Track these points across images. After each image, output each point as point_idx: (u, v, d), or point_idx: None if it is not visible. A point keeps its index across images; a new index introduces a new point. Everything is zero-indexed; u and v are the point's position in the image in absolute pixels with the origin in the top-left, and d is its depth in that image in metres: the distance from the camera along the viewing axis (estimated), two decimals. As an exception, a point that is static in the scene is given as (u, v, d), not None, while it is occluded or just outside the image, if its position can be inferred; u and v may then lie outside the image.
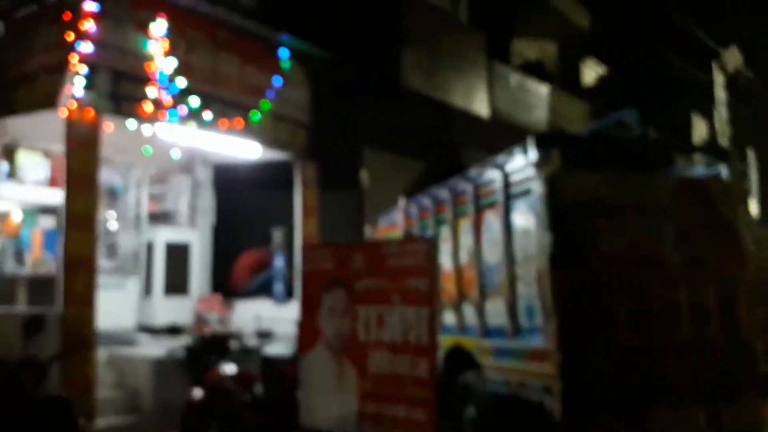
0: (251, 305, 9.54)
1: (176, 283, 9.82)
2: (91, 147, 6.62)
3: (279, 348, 5.55)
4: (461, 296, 6.44)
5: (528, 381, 5.40)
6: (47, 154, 9.25)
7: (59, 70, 6.73)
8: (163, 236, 9.83)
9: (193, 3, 7.74)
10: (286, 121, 8.89)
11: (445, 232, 6.81)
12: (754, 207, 23.40)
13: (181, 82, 7.36)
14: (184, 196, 10.27)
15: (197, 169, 10.18)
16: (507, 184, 5.86)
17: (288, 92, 8.88)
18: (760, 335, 5.67)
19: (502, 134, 15.76)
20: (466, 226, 6.48)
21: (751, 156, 28.48)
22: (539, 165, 5.44)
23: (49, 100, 6.72)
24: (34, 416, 3.85)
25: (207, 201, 10.37)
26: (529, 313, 5.45)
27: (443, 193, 6.98)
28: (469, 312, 6.30)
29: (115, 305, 8.53)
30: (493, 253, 6.00)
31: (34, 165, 9.36)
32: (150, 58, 7.17)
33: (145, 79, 7.13)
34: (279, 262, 9.51)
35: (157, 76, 7.18)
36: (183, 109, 7.38)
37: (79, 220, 6.53)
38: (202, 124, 7.65)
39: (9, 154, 8.78)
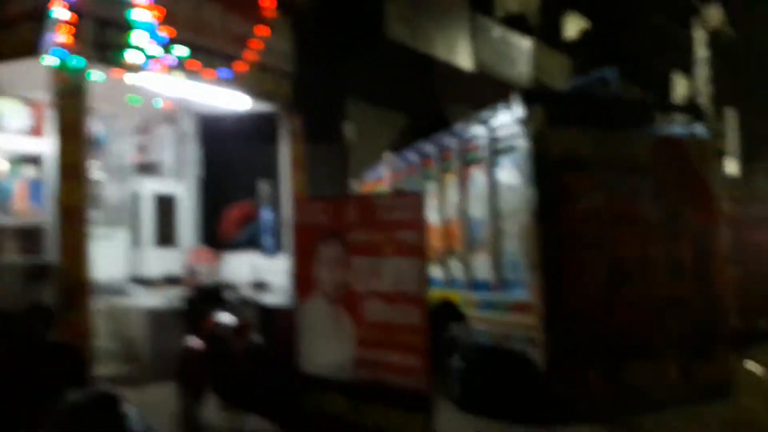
0: (240, 257, 9.68)
1: (165, 235, 9.91)
2: (78, 97, 6.56)
3: (275, 298, 5.70)
4: (448, 250, 6.63)
5: (512, 332, 5.64)
6: (28, 102, 9.15)
7: (41, 17, 6.60)
8: (149, 187, 9.86)
9: (178, -50, 7.60)
10: (271, 71, 8.84)
11: (432, 187, 6.95)
12: (732, 166, 23.79)
13: (167, 31, 7.28)
14: (169, 147, 10.25)
15: (182, 119, 10.14)
16: (492, 140, 5.99)
17: (273, 42, 8.79)
18: (732, 291, 5.96)
19: (485, 88, 15.81)
20: (452, 181, 6.62)
21: (731, 115, 28.80)
22: (524, 122, 5.56)
23: (31, 48, 6.61)
24: (45, 361, 3.98)
25: (192, 152, 10.36)
26: (514, 266, 5.65)
27: (429, 148, 7.10)
28: (456, 266, 6.50)
29: (105, 256, 8.59)
30: (478, 208, 6.17)
31: (15, 113, 9.26)
32: (135, 6, 7.06)
33: (130, 27, 7.03)
34: (267, 214, 9.60)
35: (142, 24, 7.08)
36: (169, 58, 7.32)
37: (69, 171, 6.52)
38: (188, 74, 7.60)
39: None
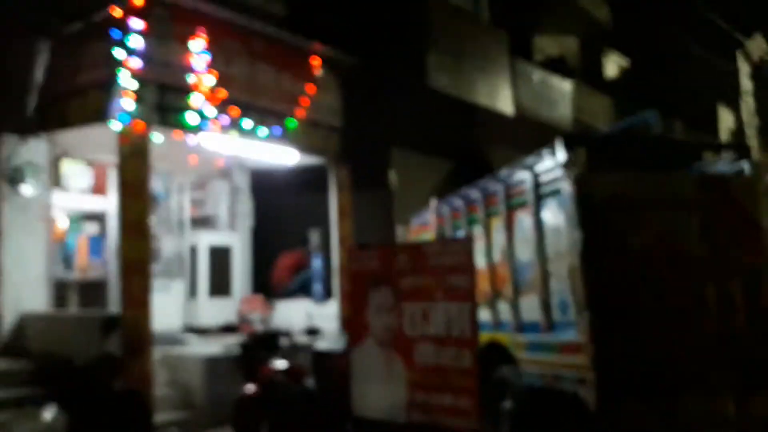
0: (291, 305, 9.94)
1: (219, 285, 10.27)
2: (141, 157, 7.01)
3: (328, 343, 5.89)
4: (495, 293, 6.73)
5: (562, 373, 5.68)
6: (90, 162, 9.72)
7: (108, 85, 7.13)
8: (206, 240, 10.27)
9: (230, 16, 8.12)
10: (320, 126, 9.25)
11: (478, 232, 7.09)
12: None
13: (222, 93, 7.74)
14: (223, 201, 10.71)
15: (235, 174, 10.60)
16: (537, 184, 6.13)
17: (321, 98, 9.23)
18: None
19: (527, 131, 16.00)
20: (498, 225, 6.77)
21: (779, 146, 28.20)
22: (567, 165, 5.71)
23: (100, 114, 7.13)
24: (113, 407, 4.24)
25: (245, 205, 10.79)
26: (562, 307, 5.72)
27: (475, 193, 7.27)
28: (504, 308, 6.59)
29: (162, 307, 8.95)
30: (525, 251, 6.28)
31: (77, 173, 9.83)
32: (193, 71, 7.55)
33: (188, 91, 7.51)
34: (317, 262, 9.88)
35: (200, 88, 7.56)
36: (224, 119, 7.76)
37: (132, 227, 6.92)
38: (242, 132, 8.03)
39: (54, 163, 9.26)
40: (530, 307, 6.15)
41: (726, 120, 29.33)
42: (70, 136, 8.35)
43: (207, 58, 7.65)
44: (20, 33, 8.21)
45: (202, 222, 10.85)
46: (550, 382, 5.85)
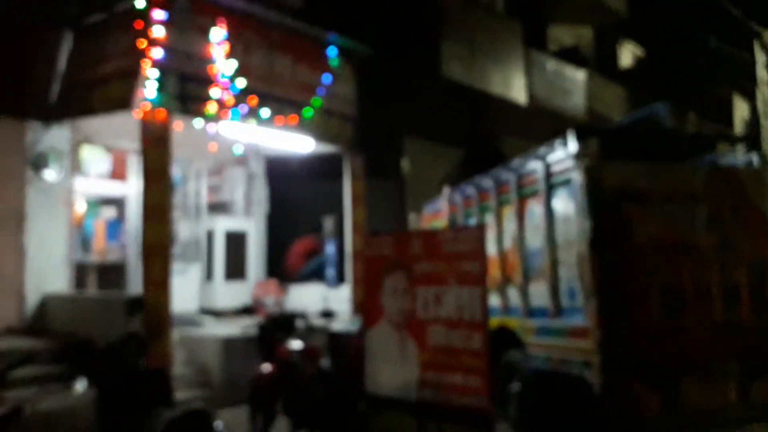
0: (304, 289, 10.17)
1: (235, 269, 10.51)
2: (163, 145, 7.22)
3: (343, 325, 6.09)
4: (506, 279, 6.90)
5: (569, 357, 5.84)
6: (109, 148, 9.95)
7: (132, 74, 7.34)
8: (222, 225, 10.51)
9: (248, 7, 8.28)
10: (335, 115, 9.41)
11: (490, 219, 7.25)
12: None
13: (241, 83, 7.93)
14: (239, 187, 10.93)
15: (251, 161, 10.80)
16: (548, 174, 6.27)
17: (336, 88, 9.40)
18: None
19: (540, 120, 16.09)
20: (509, 213, 6.92)
21: (794, 135, 28.07)
22: (579, 156, 5.85)
23: (123, 102, 7.34)
24: (138, 385, 4.46)
25: (261, 191, 11.01)
26: (570, 294, 5.88)
27: (487, 182, 7.42)
28: (513, 294, 6.75)
29: (179, 289, 9.22)
30: (535, 239, 6.43)
31: (96, 159, 10.07)
32: (212, 61, 7.74)
33: (208, 81, 7.70)
34: (330, 248, 10.09)
35: (220, 78, 7.75)
36: (243, 108, 7.95)
37: (154, 212, 7.15)
38: (260, 121, 8.21)
39: (74, 149, 9.50)
40: (539, 293, 6.31)
41: (741, 110, 29.18)
42: (92, 123, 8.58)
43: (226, 48, 7.82)
44: (45, 23, 8.44)
45: (218, 207, 11.09)
46: (557, 366, 6.02)
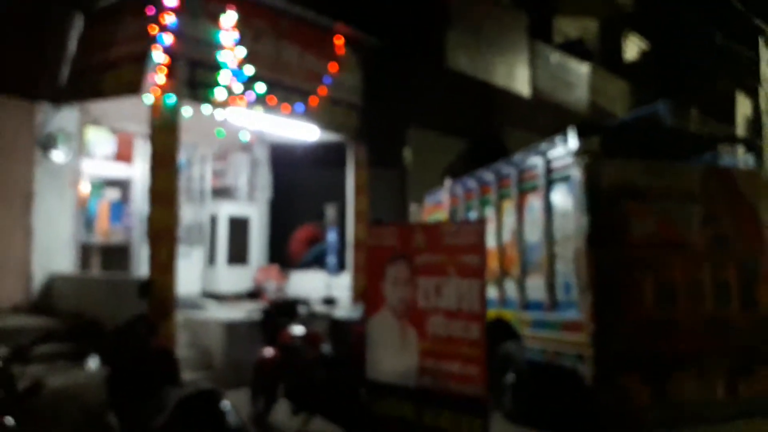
0: (305, 275, 10.33)
1: (237, 254, 10.66)
2: (171, 130, 7.34)
3: (345, 312, 6.24)
4: (503, 272, 7.05)
5: (563, 349, 6.01)
6: (114, 130, 10.06)
7: (142, 59, 7.43)
8: (225, 210, 10.65)
9: (258, -5, 8.39)
10: (341, 104, 9.52)
11: (490, 213, 7.39)
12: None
13: (249, 70, 8.04)
14: (243, 172, 11.06)
15: (255, 148, 10.92)
16: (548, 170, 6.41)
17: (342, 77, 9.50)
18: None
19: (543, 113, 16.19)
20: (509, 207, 7.06)
21: (795, 136, 28.16)
22: (578, 153, 5.99)
23: (133, 86, 7.45)
24: (148, 364, 4.62)
25: (264, 178, 11.14)
26: (566, 288, 6.04)
27: (488, 175, 7.55)
28: (511, 287, 6.91)
29: (183, 273, 9.37)
30: (534, 233, 6.58)
31: (101, 141, 10.17)
32: (221, 48, 7.84)
33: (217, 67, 7.81)
34: (332, 235, 10.23)
35: (229, 64, 7.85)
36: (251, 95, 8.06)
37: (161, 196, 7.28)
38: (267, 108, 8.33)
39: (80, 131, 9.59)
40: (536, 287, 6.47)
41: (743, 107, 29.23)
42: (100, 106, 8.70)
43: (236, 35, 7.92)
44: (56, 6, 8.53)
45: (222, 192, 11.22)
46: (551, 358, 6.19)
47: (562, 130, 6.27)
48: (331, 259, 10.19)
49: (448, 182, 8.80)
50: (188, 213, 10.77)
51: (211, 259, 10.66)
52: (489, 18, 14.39)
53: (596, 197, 5.84)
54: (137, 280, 7.07)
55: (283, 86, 8.54)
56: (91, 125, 9.63)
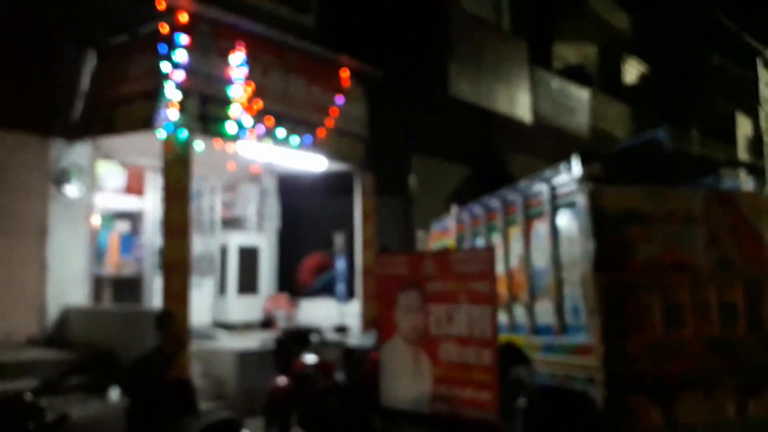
0: (315, 303, 10.43)
1: (247, 283, 10.77)
2: (184, 164, 7.51)
3: (356, 340, 6.34)
4: (512, 297, 7.15)
5: (573, 373, 6.09)
6: (123, 163, 10.25)
7: (155, 95, 7.62)
8: (235, 240, 10.79)
9: (265, 31, 8.61)
10: (347, 134, 9.72)
11: (496, 239, 7.52)
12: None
13: (258, 104, 8.24)
14: (252, 203, 11.22)
15: (264, 178, 11.10)
16: (554, 197, 6.55)
17: (348, 108, 9.71)
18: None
19: (545, 138, 16.40)
20: (516, 233, 7.19)
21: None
22: (582, 180, 6.14)
23: (146, 122, 7.63)
24: (167, 395, 4.73)
25: (273, 207, 11.30)
26: (575, 312, 6.14)
27: (494, 202, 7.69)
28: (520, 312, 7.01)
29: (194, 303, 9.46)
30: (541, 258, 6.70)
31: (112, 174, 10.35)
32: (232, 83, 8.05)
33: (228, 102, 8.01)
34: (340, 263, 10.35)
35: (239, 99, 8.06)
36: (260, 128, 8.26)
37: (174, 228, 7.41)
38: (276, 140, 8.52)
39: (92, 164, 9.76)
40: (544, 311, 6.56)
41: (744, 127, 29.46)
42: (112, 140, 8.88)
43: (245, 70, 8.14)
44: (69, 43, 8.78)
45: (231, 223, 11.37)
46: (561, 382, 6.26)
47: (564, 155, 6.43)
48: (340, 287, 10.29)
49: (454, 209, 8.94)
50: (198, 244, 10.89)
51: (222, 288, 10.77)
52: (490, 46, 14.66)
53: (601, 222, 5.97)
54: (152, 311, 7.18)
55: (291, 119, 8.73)
56: (102, 159, 9.81)
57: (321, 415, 5.88)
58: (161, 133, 7.43)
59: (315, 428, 5.92)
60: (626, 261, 5.98)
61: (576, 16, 18.64)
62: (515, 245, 7.17)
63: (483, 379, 4.43)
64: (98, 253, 10.75)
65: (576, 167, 6.21)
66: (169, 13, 7.59)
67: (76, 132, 8.84)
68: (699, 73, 25.53)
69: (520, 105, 15.39)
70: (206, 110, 7.76)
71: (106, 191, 10.16)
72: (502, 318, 7.10)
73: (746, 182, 7.05)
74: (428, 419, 4.75)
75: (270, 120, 8.36)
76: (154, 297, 10.04)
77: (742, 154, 28.17)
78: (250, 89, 8.16)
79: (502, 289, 7.17)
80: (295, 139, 8.73)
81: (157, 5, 7.50)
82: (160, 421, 4.59)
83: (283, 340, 6.48)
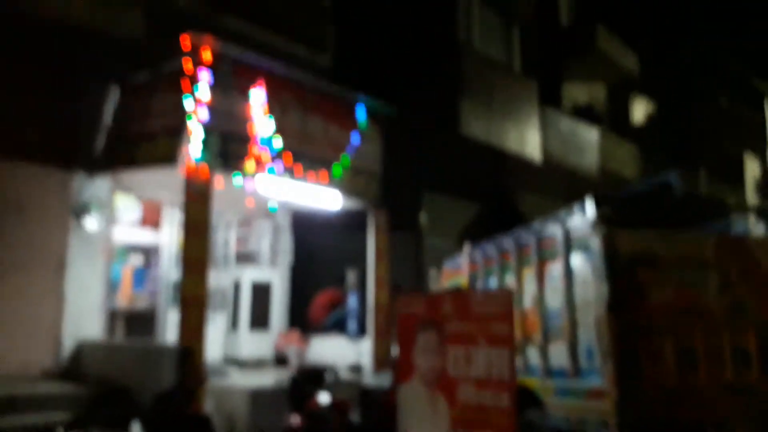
0: (326, 341, 10.45)
1: (259, 319, 10.82)
2: (204, 200, 7.63)
3: (373, 379, 6.37)
4: (526, 339, 7.20)
5: (587, 417, 6.12)
6: (139, 197, 10.40)
7: (178, 132, 7.80)
8: (249, 275, 10.87)
9: (285, 71, 8.83)
10: (362, 172, 9.86)
11: (510, 279, 7.61)
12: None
13: (278, 142, 8.42)
14: (265, 238, 11.33)
15: (278, 213, 11.23)
16: (567, 239, 6.66)
17: (363, 146, 9.87)
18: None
19: (554, 177, 16.54)
20: (529, 274, 7.27)
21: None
22: (596, 223, 6.24)
23: (169, 158, 7.79)
24: (188, 430, 4.79)
25: (286, 243, 11.40)
26: (589, 355, 6.19)
27: (508, 243, 7.79)
28: (533, 354, 7.05)
29: (207, 338, 9.54)
30: (554, 300, 6.77)
31: (128, 207, 10.50)
32: (252, 121, 8.24)
33: (248, 139, 8.19)
34: (352, 300, 10.40)
35: (258, 137, 8.24)
36: (279, 165, 8.42)
37: (193, 264, 7.50)
38: (294, 177, 8.67)
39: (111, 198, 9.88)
40: (558, 353, 6.61)
41: (752, 169, 29.57)
42: (133, 175, 9.04)
43: (265, 109, 8.33)
44: (93, 79, 9.01)
45: (244, 258, 11.47)
46: (575, 426, 6.28)
47: (573, 194, 6.56)
48: (352, 324, 10.32)
49: (467, 248, 9.03)
50: (212, 278, 10.95)
51: (234, 324, 10.82)
52: (501, 86, 14.91)
53: (615, 265, 6.06)
54: (167, 347, 7.24)
55: (308, 157, 8.89)
56: (120, 193, 9.97)
57: (334, 454, 5.89)
58: (183, 169, 7.58)
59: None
60: (640, 304, 6.05)
61: (585, 57, 18.95)
62: (529, 286, 7.25)
63: (500, 421, 4.46)
64: (111, 286, 10.87)
65: (590, 210, 6.33)
66: (193, 52, 7.80)
67: (98, 166, 9.01)
68: (707, 114, 25.78)
69: (530, 144, 15.57)
70: (227, 147, 7.91)
71: (121, 224, 10.30)
72: (516, 360, 7.13)
73: (756, 226, 7.13)
74: (445, 461, 4.77)
75: (288, 157, 8.52)
76: (168, 331, 10.11)
77: (751, 195, 28.24)
78: (269, 127, 8.33)
79: (516, 331, 7.20)
80: (311, 176, 8.88)
81: (182, 45, 7.72)
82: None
83: (298, 378, 6.51)
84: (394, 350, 8.98)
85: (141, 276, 11.09)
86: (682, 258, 6.33)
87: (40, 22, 8.07)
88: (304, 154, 8.82)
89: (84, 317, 8.91)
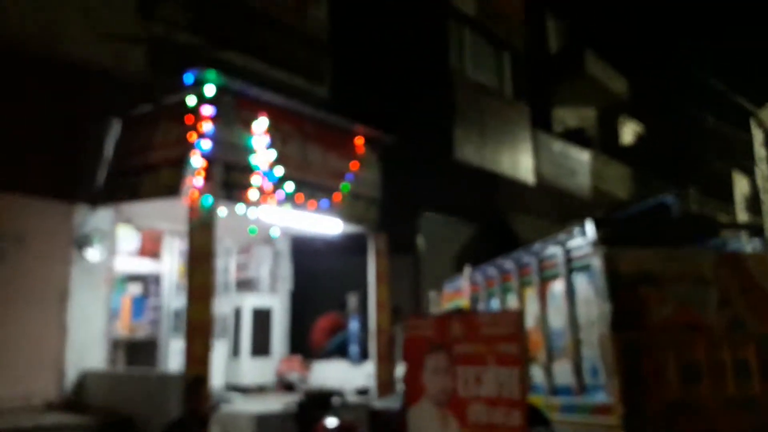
0: (328, 365, 10.48)
1: (260, 345, 10.85)
2: (208, 229, 7.73)
3: (384, 402, 6.43)
4: (529, 358, 7.29)
5: (593, 432, 6.21)
6: (138, 227, 10.48)
7: (181, 164, 7.91)
8: (249, 302, 10.93)
9: (285, 102, 9.01)
10: (362, 198, 10.01)
11: (512, 300, 7.72)
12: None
13: (279, 171, 8.55)
14: (265, 264, 11.42)
15: (278, 240, 11.33)
16: (568, 259, 6.79)
17: (362, 173, 10.03)
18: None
19: (547, 198, 16.77)
20: (531, 294, 7.38)
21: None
22: (597, 243, 6.39)
23: (172, 189, 7.89)
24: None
25: (286, 269, 11.49)
26: (593, 372, 6.28)
27: (509, 264, 7.91)
28: (538, 372, 7.14)
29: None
30: (557, 319, 6.88)
31: (127, 237, 10.56)
32: (254, 151, 8.38)
33: (250, 169, 8.32)
34: (354, 324, 10.46)
35: (260, 167, 8.37)
36: (280, 194, 8.55)
37: (199, 292, 7.57)
38: (295, 205, 8.79)
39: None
40: (563, 372, 6.70)
41: (741, 186, 30.00)
42: (134, 206, 9.14)
43: (266, 139, 8.48)
44: (94, 114, 9.13)
45: (245, 284, 11.53)
46: (581, 442, 6.35)
47: (566, 215, 6.72)
48: (354, 349, 10.37)
49: (467, 270, 9.13)
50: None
51: (235, 350, 10.85)
52: (493, 111, 15.20)
53: (616, 284, 6.19)
54: (171, 375, 7.26)
55: (309, 184, 9.02)
56: (122, 223, 10.04)
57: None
58: (186, 200, 7.68)
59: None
60: (641, 321, 6.17)
61: (575, 81, 19.35)
62: (531, 306, 7.35)
63: (512, 439, 4.55)
64: (111, 316, 10.88)
65: (590, 231, 6.47)
66: (195, 86, 7.95)
67: (100, 198, 9.09)
68: (695, 134, 26.22)
69: (523, 167, 15.81)
70: (229, 177, 8.04)
71: (121, 254, 10.35)
72: (521, 379, 7.23)
73: (752, 243, 7.29)
74: (457, 481, 4.83)
75: (289, 186, 8.65)
76: (171, 360, 10.12)
77: (741, 212, 28.61)
78: (271, 157, 8.47)
79: (520, 350, 7.31)
80: (312, 204, 9.00)
81: (184, 79, 7.88)
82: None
83: (305, 403, 6.56)
84: (398, 372, 9.05)
85: (140, 305, 11.11)
86: (680, 275, 6.46)
87: (45, 59, 8.21)
88: (305, 182, 8.95)
89: (87, 347, 8.92)
